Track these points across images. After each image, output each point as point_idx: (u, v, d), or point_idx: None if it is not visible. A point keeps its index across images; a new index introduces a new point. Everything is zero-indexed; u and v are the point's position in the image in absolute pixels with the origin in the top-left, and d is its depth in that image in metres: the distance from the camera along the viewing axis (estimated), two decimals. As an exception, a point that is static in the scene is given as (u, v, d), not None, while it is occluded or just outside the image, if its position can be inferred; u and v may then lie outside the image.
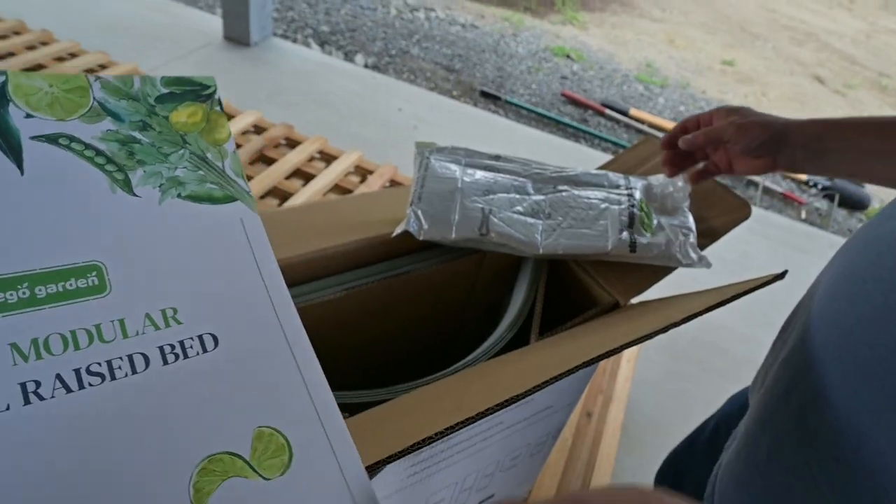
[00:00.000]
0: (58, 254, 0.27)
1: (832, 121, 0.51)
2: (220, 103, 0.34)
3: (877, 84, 3.57)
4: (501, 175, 0.60)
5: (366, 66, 2.43)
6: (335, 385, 0.55)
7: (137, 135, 0.31)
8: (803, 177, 2.35)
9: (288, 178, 1.24)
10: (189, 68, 1.91)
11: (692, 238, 0.57)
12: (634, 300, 0.57)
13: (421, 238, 0.54)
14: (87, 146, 0.29)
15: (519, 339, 0.54)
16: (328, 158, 1.34)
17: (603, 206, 0.58)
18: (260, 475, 0.28)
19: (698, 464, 0.63)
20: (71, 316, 0.27)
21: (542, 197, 0.58)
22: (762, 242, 1.76)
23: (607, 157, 2.24)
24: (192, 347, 0.28)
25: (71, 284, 0.27)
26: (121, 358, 0.27)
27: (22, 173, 0.27)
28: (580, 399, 0.67)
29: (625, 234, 0.56)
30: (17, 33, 1.46)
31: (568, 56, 3.01)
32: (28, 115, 0.28)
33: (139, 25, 2.05)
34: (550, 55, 2.97)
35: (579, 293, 0.60)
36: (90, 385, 0.26)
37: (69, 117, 0.29)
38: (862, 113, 3.22)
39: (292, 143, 1.34)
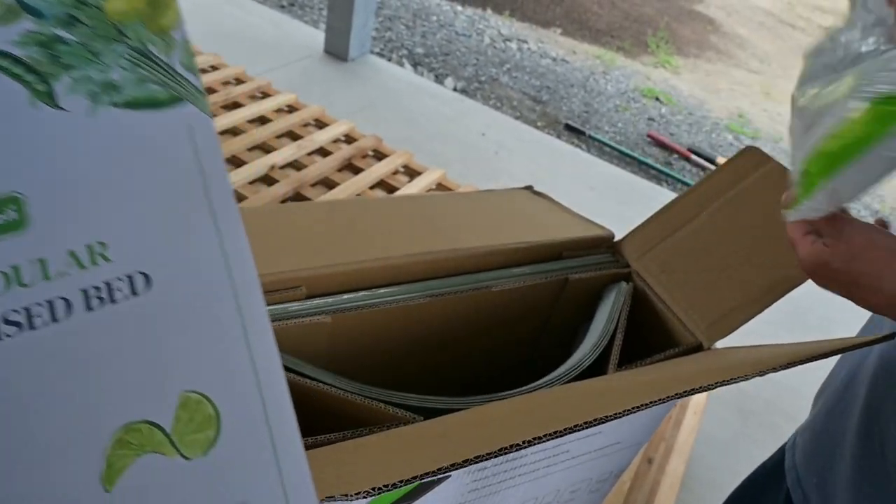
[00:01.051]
0: None
1: None
2: None
3: None
4: None
5: (455, 89, 2.48)
6: (408, 388, 0.56)
7: (63, 33, 0.24)
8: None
9: (372, 188, 1.28)
10: (291, 76, 2.01)
11: None
12: (719, 344, 0.55)
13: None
14: (2, 53, 0.23)
15: (596, 369, 0.53)
16: (412, 173, 1.37)
17: None
18: (180, 453, 0.25)
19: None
20: None
21: None
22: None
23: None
24: (120, 290, 0.24)
25: None
26: (40, 304, 0.23)
27: None
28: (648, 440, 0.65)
29: None
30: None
31: (657, 98, 2.97)
32: None
33: (250, 34, 2.18)
34: (639, 96, 2.94)
35: (660, 331, 0.59)
36: (7, 336, 0.22)
37: None
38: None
39: (379, 156, 1.39)
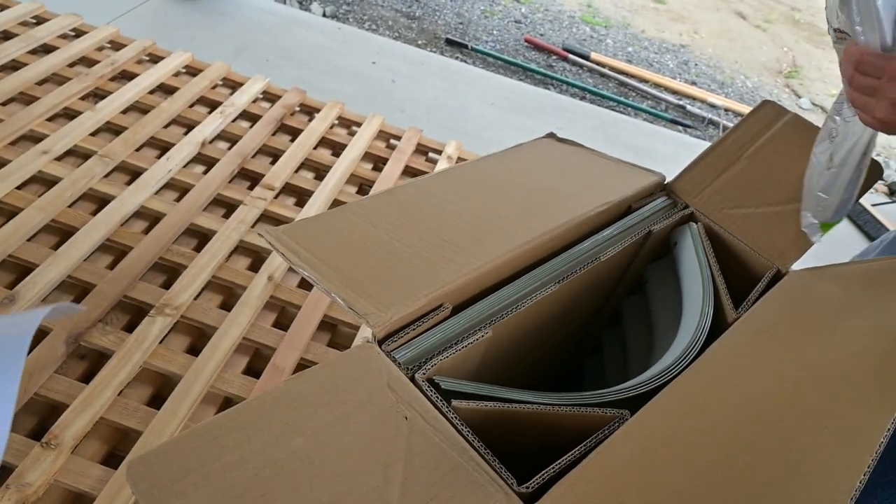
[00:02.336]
0: None
1: None
2: None
3: (791, 18, 3.80)
4: None
5: (324, 15, 2.30)
6: (541, 384, 0.56)
7: None
8: None
9: (315, 147, 1.18)
10: (145, 23, 1.74)
11: None
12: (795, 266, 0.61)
13: None
14: None
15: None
16: (347, 124, 1.29)
17: None
18: None
19: None
20: None
21: None
22: None
23: (577, 103, 2.27)
24: None
25: None
26: None
27: None
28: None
29: None
30: (-35, -7, 1.27)
31: (514, -2, 2.98)
32: None
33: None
34: (497, -3, 2.93)
35: (734, 262, 0.63)
36: None
37: None
38: (781, 46, 3.43)
39: (308, 110, 1.28)
